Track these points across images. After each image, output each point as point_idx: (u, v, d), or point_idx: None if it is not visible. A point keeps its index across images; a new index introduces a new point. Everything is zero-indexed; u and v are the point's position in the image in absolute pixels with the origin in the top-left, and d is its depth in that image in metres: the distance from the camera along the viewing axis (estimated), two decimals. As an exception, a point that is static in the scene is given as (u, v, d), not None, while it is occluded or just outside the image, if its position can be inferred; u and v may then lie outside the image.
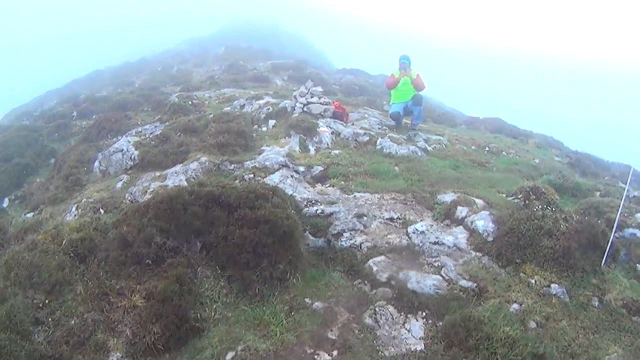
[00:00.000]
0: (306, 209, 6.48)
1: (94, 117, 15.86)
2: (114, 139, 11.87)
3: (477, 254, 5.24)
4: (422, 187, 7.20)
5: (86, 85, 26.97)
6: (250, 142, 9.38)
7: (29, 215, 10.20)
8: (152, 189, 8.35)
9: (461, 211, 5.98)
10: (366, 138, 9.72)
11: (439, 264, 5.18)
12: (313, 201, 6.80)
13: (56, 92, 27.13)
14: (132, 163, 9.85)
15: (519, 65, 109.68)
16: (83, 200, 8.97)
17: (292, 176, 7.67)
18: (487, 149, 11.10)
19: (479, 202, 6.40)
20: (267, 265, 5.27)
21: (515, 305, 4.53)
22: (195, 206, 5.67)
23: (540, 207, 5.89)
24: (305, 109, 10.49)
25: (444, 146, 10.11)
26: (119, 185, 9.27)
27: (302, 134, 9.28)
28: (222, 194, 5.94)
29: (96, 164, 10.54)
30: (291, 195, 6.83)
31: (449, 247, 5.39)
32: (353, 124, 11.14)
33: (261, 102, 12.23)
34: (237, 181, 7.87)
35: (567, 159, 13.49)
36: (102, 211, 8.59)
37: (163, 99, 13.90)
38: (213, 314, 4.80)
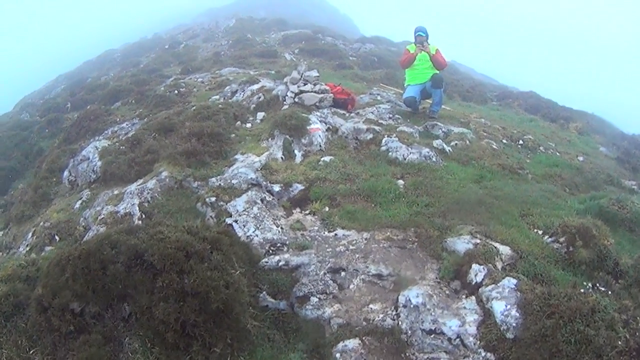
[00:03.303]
0: (265, 260, 4.81)
1: (88, 107, 14.55)
2: (90, 141, 10.50)
3: (489, 356, 3.45)
4: (430, 217, 5.36)
5: (97, 67, 25.72)
6: (226, 146, 7.70)
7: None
8: (103, 215, 7.01)
9: (477, 272, 4.15)
10: (369, 135, 7.83)
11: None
12: (278, 245, 5.12)
13: (66, 76, 26.03)
14: (94, 176, 8.44)
15: (557, 35, 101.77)
16: (40, 224, 7.73)
17: (262, 200, 5.99)
18: (520, 142, 9.03)
19: (505, 250, 4.56)
20: (200, 348, 3.90)
21: None
22: (117, 264, 4.24)
23: (589, 273, 3.99)
24: (297, 99, 8.65)
25: (467, 143, 8.11)
26: (78, 205, 7.99)
27: (288, 135, 7.50)
28: (147, 249, 4.42)
29: (65, 173, 9.21)
30: (249, 237, 5.20)
31: (450, 340, 3.62)
32: (358, 113, 9.26)
33: (255, 87, 10.45)
34: (199, 203, 6.36)
35: (614, 149, 11.22)
36: (57, 238, 7.31)
37: (147, 89, 12.30)
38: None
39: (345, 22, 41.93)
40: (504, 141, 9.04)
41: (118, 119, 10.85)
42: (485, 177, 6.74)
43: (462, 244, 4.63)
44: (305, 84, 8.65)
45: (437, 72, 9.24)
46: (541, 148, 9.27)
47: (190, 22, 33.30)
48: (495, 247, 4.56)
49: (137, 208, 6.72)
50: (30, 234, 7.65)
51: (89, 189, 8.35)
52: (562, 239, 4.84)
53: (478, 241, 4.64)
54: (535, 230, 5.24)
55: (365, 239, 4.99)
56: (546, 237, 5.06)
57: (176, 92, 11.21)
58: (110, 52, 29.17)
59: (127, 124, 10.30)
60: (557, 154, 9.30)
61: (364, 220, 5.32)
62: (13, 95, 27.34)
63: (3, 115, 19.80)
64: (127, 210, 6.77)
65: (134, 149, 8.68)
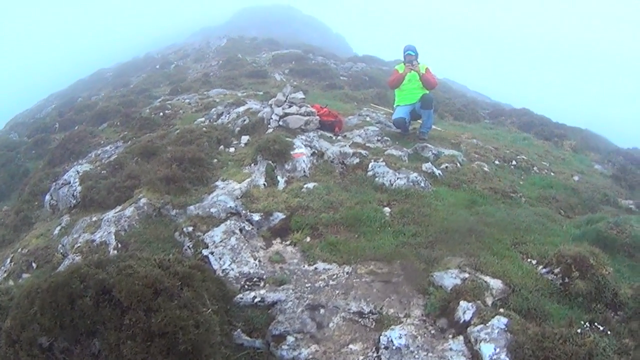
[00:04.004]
0: (240, 296, 4.50)
1: (76, 128, 14.30)
2: (73, 165, 10.23)
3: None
4: (417, 248, 5.07)
5: (89, 86, 25.52)
6: (208, 172, 7.44)
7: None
8: (79, 244, 6.76)
9: (465, 310, 3.85)
10: (356, 160, 7.59)
11: None
12: (255, 279, 4.82)
13: (57, 95, 25.82)
14: (74, 201, 8.15)
15: (551, 50, 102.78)
16: (19, 250, 7.53)
17: (241, 230, 5.70)
18: (514, 163, 8.80)
19: (496, 284, 4.26)
20: (168, 392, 3.54)
21: None
22: (85, 299, 3.91)
23: (588, 312, 3.71)
24: (281, 122, 8.40)
25: (458, 165, 7.87)
26: (57, 231, 7.78)
27: (271, 160, 7.24)
28: (115, 285, 4.13)
29: (47, 197, 8.93)
30: (224, 271, 4.91)
31: (436, 389, 3.33)
32: (345, 136, 9.04)
33: (241, 109, 10.23)
34: (177, 232, 6.08)
35: (609, 166, 11.02)
36: (34, 266, 7.10)
37: (133, 111, 12.07)
38: None
39: (337, 42, 42.07)
40: (497, 162, 8.82)
41: (102, 142, 10.61)
42: (476, 202, 6.48)
43: (449, 279, 4.33)
44: (290, 106, 8.42)
45: (427, 92, 9.03)
46: (535, 168, 9.05)
47: (182, 42, 33.33)
48: (485, 282, 4.27)
49: (114, 237, 6.46)
50: (8, 260, 7.42)
51: (69, 214, 8.12)
52: (557, 270, 4.56)
53: (467, 275, 4.35)
54: (529, 260, 4.97)
55: (347, 272, 4.70)
56: (540, 267, 4.78)
57: (161, 114, 10.99)
58: (102, 71, 29.05)
59: (110, 147, 10.05)
60: (552, 174, 9.08)
61: (346, 252, 5.02)
62: (5, 113, 27.09)
63: (-9, 134, 19.48)
64: (103, 239, 6.52)
65: (116, 174, 8.43)
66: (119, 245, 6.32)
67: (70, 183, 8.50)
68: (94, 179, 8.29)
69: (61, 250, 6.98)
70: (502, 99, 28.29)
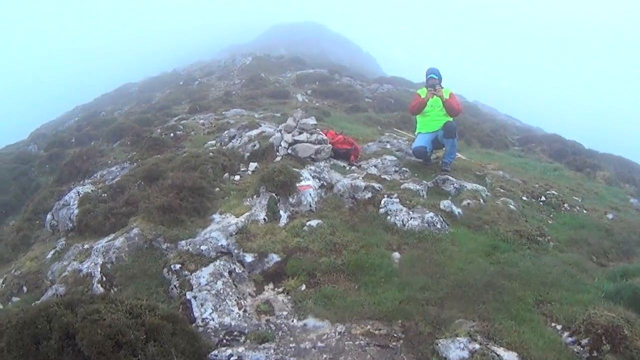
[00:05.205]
0: (215, 353, 3.91)
1: (92, 144, 14.15)
2: (77, 185, 9.94)
3: None
4: (424, 305, 4.41)
5: (113, 100, 25.73)
6: (208, 202, 6.95)
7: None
8: (66, 273, 6.44)
9: (471, 397, 3.18)
10: (368, 194, 6.96)
11: None
12: (235, 333, 4.26)
13: (82, 107, 26.09)
14: (71, 224, 7.81)
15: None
16: (12, 272, 7.26)
17: (230, 273, 5.16)
18: (543, 198, 8.01)
19: (510, 358, 3.58)
20: None
21: None
22: (50, 341, 3.68)
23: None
24: (290, 150, 7.88)
25: (481, 202, 7.16)
26: (50, 255, 7.48)
27: (275, 192, 6.69)
28: (78, 331, 3.76)
29: (49, 217, 8.62)
30: (204, 320, 4.38)
31: None
32: (360, 166, 8.44)
33: (254, 133, 9.77)
34: (165, 269, 5.60)
35: (648, 202, 10.09)
36: (24, 289, 6.83)
37: (145, 130, 11.78)
38: None
39: (367, 61, 41.66)
40: (524, 198, 8.06)
41: (110, 161, 10.31)
42: (498, 248, 5.76)
43: (456, 350, 3.66)
44: (300, 133, 7.89)
45: (451, 119, 8.39)
46: (566, 205, 8.23)
47: (209, 59, 33.46)
48: (498, 355, 3.59)
49: (99, 269, 6.07)
50: (1, 281, 7.20)
51: (65, 237, 7.83)
52: (585, 341, 3.86)
53: (477, 346, 3.67)
54: (553, 325, 4.25)
55: (339, 332, 4.07)
56: (566, 334, 4.08)
57: (172, 135, 10.63)
58: (128, 85, 29.33)
59: (116, 168, 9.72)
60: (584, 211, 8.25)
61: (342, 307, 4.40)
62: (32, 122, 27.60)
63: (13, 145, 19.67)
64: (90, 271, 6.18)
65: (116, 198, 8.06)
66: (104, 279, 5.91)
67: (69, 205, 8.18)
68: (93, 202, 7.94)
69: (50, 277, 6.71)
70: (533, 122, 27.24)
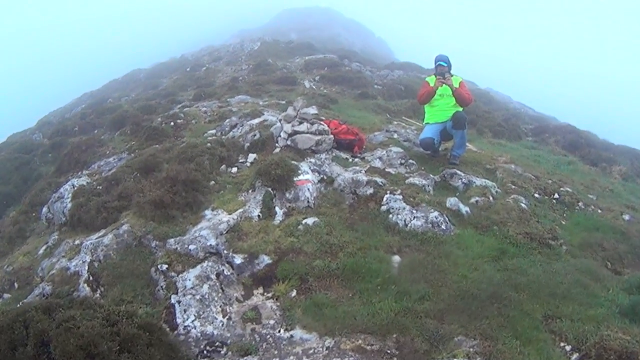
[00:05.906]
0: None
1: (95, 132, 13.89)
2: (77, 175, 9.70)
3: None
4: (422, 318, 4.07)
5: (121, 87, 25.45)
6: (202, 196, 6.64)
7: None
8: (54, 271, 6.23)
9: None
10: (370, 190, 6.59)
11: None
12: (217, 344, 3.97)
13: (90, 94, 25.87)
14: (64, 218, 7.57)
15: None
16: (5, 267, 7.09)
17: (218, 275, 4.87)
18: (556, 196, 7.56)
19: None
20: None
21: None
22: (26, 348, 3.58)
23: None
24: (289, 141, 7.51)
25: (490, 200, 6.74)
26: (41, 251, 7.28)
27: (271, 187, 6.36)
28: (52, 339, 3.59)
29: (44, 209, 8.41)
30: (186, 328, 4.12)
31: None
32: (364, 158, 8.06)
33: (255, 121, 9.38)
34: (153, 268, 5.33)
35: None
36: (16, 286, 6.65)
37: (145, 119, 11.46)
38: None
39: (379, 46, 40.82)
40: (536, 195, 7.60)
41: (108, 152, 10.04)
42: (506, 253, 5.36)
43: (454, 373, 3.33)
44: (300, 123, 7.50)
45: (460, 109, 7.94)
46: (580, 204, 7.76)
47: (218, 44, 32.96)
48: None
49: (87, 268, 5.82)
50: None
51: (59, 232, 7.61)
52: (597, 367, 3.50)
53: (478, 370, 3.34)
54: (562, 345, 3.88)
55: (327, 347, 3.76)
56: (575, 356, 3.72)
57: (172, 123, 10.31)
58: (136, 71, 28.98)
59: (114, 159, 9.44)
60: (599, 210, 7.77)
61: (332, 318, 4.07)
62: (41, 109, 27.48)
63: (19, 133, 19.53)
64: (77, 269, 5.92)
65: (110, 191, 7.78)
66: (91, 278, 5.68)
67: (63, 197, 7.94)
68: (86, 195, 7.66)
69: (40, 274, 6.53)
70: (547, 110, 26.47)
